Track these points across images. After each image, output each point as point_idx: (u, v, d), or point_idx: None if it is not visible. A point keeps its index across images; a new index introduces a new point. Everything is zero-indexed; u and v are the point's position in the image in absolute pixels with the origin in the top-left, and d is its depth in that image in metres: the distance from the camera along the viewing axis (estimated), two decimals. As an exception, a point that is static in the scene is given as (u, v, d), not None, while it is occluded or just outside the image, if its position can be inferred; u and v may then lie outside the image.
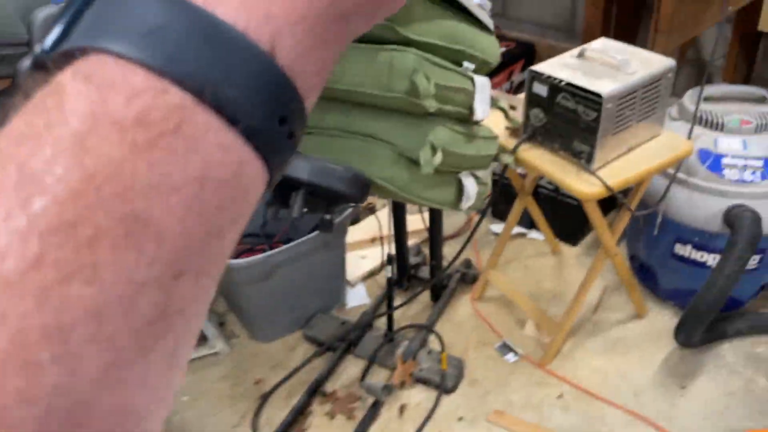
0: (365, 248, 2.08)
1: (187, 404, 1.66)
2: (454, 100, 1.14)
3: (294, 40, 0.23)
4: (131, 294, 0.20)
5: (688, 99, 1.70)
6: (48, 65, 0.22)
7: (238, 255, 1.69)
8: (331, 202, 1.34)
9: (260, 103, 0.22)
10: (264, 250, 1.74)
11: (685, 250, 1.70)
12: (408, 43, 1.07)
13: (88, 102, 0.20)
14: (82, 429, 0.19)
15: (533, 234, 2.12)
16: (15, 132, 0.20)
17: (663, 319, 1.82)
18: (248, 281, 1.66)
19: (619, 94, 1.38)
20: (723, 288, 1.52)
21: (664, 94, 1.49)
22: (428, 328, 1.81)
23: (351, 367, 1.73)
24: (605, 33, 2.21)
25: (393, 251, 1.79)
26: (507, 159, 1.47)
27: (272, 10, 0.22)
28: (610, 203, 1.58)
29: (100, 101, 0.20)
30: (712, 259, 1.67)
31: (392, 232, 1.79)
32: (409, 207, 1.75)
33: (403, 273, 1.91)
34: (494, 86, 2.60)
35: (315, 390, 1.66)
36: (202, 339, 1.78)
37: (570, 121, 1.43)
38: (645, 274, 1.89)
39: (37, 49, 0.22)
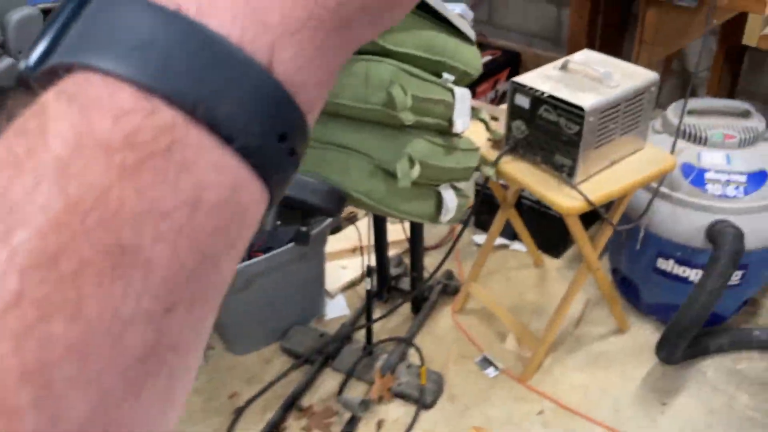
0: (346, 258, 2.05)
1: (160, 418, 1.62)
2: (433, 111, 1.11)
3: (293, 51, 0.22)
4: (118, 330, 0.18)
5: (672, 112, 1.68)
6: (32, 84, 0.20)
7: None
8: (306, 215, 1.30)
9: (257, 119, 0.21)
10: (242, 260, 1.71)
11: (667, 265, 1.68)
12: (386, 53, 1.04)
13: (71, 124, 0.19)
14: None
15: (516, 245, 2.10)
16: None
17: (645, 334, 1.81)
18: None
19: (601, 107, 1.37)
20: (705, 304, 1.51)
21: (648, 107, 1.48)
22: (408, 342, 1.78)
23: (328, 381, 1.70)
24: (590, 43, 2.20)
25: (373, 262, 1.76)
26: (488, 171, 1.45)
27: (269, 19, 0.21)
28: (592, 216, 1.56)
29: (85, 123, 0.19)
30: (694, 275, 1.65)
31: (373, 242, 1.76)
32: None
33: (384, 284, 1.88)
34: (479, 95, 2.59)
35: (291, 404, 1.62)
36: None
37: (552, 133, 1.41)
38: (627, 288, 1.87)
39: (22, 65, 0.21)
